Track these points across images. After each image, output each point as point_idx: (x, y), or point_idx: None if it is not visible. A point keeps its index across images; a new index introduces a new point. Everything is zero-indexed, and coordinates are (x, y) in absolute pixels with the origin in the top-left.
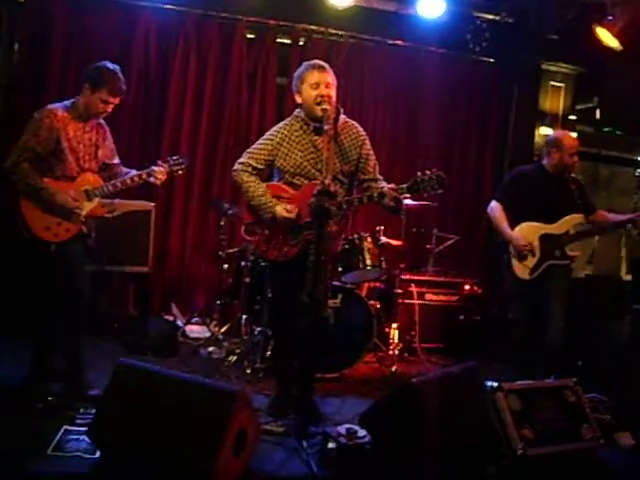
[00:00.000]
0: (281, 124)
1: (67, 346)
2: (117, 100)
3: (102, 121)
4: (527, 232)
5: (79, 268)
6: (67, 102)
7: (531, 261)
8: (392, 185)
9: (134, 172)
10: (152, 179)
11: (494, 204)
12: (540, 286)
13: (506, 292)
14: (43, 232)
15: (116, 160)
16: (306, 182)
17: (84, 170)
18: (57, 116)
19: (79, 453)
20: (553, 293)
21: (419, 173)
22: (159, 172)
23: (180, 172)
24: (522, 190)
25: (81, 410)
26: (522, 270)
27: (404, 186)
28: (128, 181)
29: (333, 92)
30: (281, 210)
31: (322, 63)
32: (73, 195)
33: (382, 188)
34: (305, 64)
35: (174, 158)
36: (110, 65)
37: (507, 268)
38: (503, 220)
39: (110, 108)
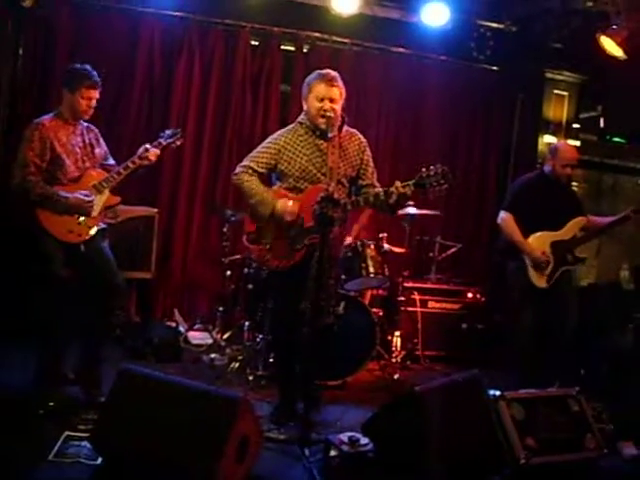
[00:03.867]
0: (284, 130)
1: (92, 347)
2: (96, 94)
3: (91, 125)
4: (540, 242)
5: (110, 262)
6: (50, 113)
7: (547, 270)
8: (398, 183)
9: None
10: (146, 161)
11: (505, 215)
12: (553, 292)
13: (513, 299)
14: (67, 235)
15: (111, 161)
16: (310, 186)
17: (85, 169)
18: (45, 126)
19: (81, 459)
20: (569, 296)
21: (424, 169)
22: (152, 154)
23: (178, 143)
24: (530, 199)
25: (83, 416)
26: (539, 279)
27: (411, 182)
28: (130, 164)
29: (338, 106)
30: (282, 204)
31: (332, 75)
32: (84, 193)
33: (387, 188)
34: (316, 73)
35: (167, 132)
36: (78, 65)
37: (516, 276)
38: (517, 231)
39: (94, 103)
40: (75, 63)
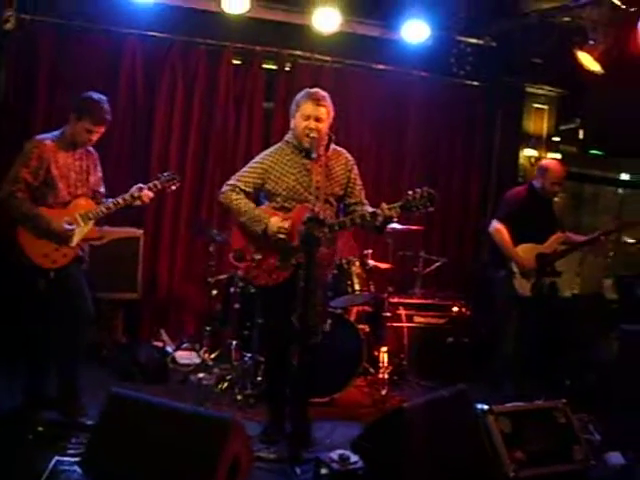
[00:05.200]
0: (271, 149)
1: (66, 371)
2: (102, 129)
3: (91, 149)
4: (527, 253)
5: (80, 291)
6: (56, 132)
7: (531, 279)
8: (384, 205)
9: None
10: (138, 202)
11: (498, 225)
12: (537, 301)
13: (498, 309)
14: (41, 259)
15: (102, 189)
16: (298, 205)
17: (76, 196)
18: (46, 146)
19: None
20: (552, 307)
21: (410, 192)
22: (145, 196)
23: (173, 187)
24: (521, 212)
25: (72, 440)
26: (524, 287)
27: (397, 205)
28: (120, 201)
29: (324, 125)
30: (276, 221)
31: (321, 94)
32: (67, 220)
33: (374, 210)
34: (305, 91)
35: (165, 175)
36: (95, 95)
37: (503, 285)
38: (509, 240)
39: (95, 137)
40: (92, 91)
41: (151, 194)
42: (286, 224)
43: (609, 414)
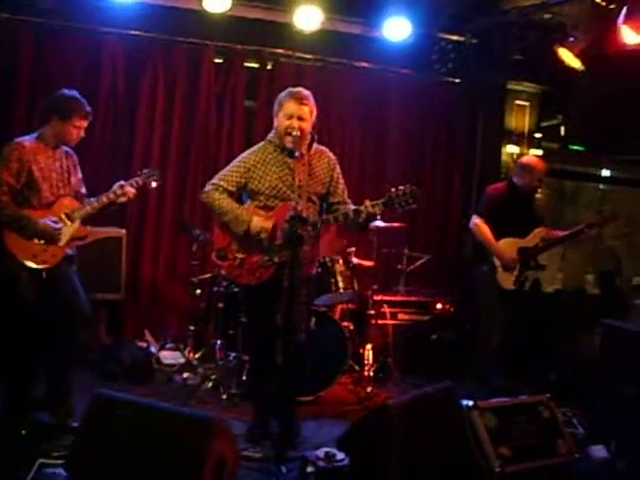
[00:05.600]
0: (254, 148)
1: (58, 371)
2: (87, 123)
3: (70, 150)
4: (509, 246)
5: (75, 290)
6: (33, 135)
7: (513, 273)
8: (367, 202)
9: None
10: (123, 198)
11: (478, 220)
12: (520, 295)
13: (482, 303)
14: (32, 260)
15: (83, 190)
16: (281, 204)
17: (59, 196)
18: (25, 148)
19: None
20: (535, 300)
21: (393, 189)
22: (129, 192)
23: (154, 184)
24: (502, 207)
25: (57, 443)
26: (507, 281)
27: (380, 202)
28: (104, 199)
29: (307, 124)
30: (257, 221)
31: (303, 93)
32: (53, 220)
33: (357, 207)
34: (288, 91)
35: (145, 171)
36: (71, 93)
37: (486, 279)
38: (489, 235)
39: (83, 132)
40: (64, 89)
41: (134, 190)
42: (268, 224)
43: (592, 408)
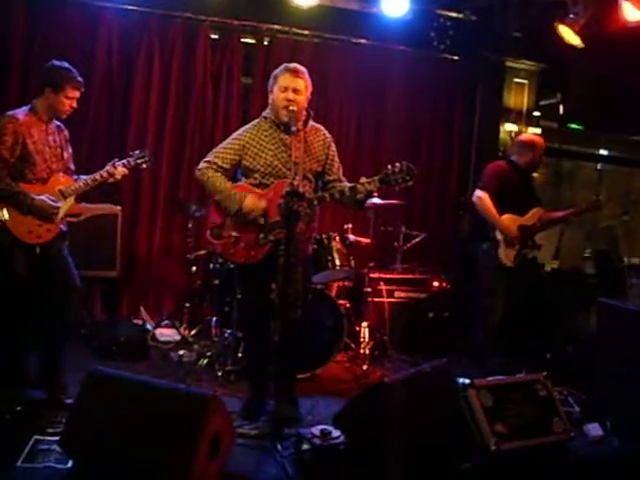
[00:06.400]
0: (249, 125)
1: (52, 347)
2: (79, 93)
3: (62, 125)
4: (510, 222)
5: (67, 266)
6: (24, 107)
7: (514, 249)
8: (363, 179)
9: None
10: (112, 179)
11: (482, 194)
12: (519, 273)
13: (483, 281)
14: (26, 235)
15: (72, 166)
16: (276, 181)
17: (53, 171)
18: (19, 121)
19: (51, 463)
20: (533, 279)
21: (389, 166)
22: (120, 173)
23: (144, 166)
24: (504, 183)
25: (51, 419)
26: (508, 257)
27: (376, 179)
28: (98, 177)
29: (302, 98)
30: (249, 200)
31: (298, 68)
32: (51, 197)
33: (353, 184)
34: (283, 65)
35: (137, 152)
36: (61, 63)
37: (486, 256)
38: (493, 209)
39: (75, 102)
40: (53, 60)
41: (125, 170)
42: (262, 204)
43: (588, 387)
